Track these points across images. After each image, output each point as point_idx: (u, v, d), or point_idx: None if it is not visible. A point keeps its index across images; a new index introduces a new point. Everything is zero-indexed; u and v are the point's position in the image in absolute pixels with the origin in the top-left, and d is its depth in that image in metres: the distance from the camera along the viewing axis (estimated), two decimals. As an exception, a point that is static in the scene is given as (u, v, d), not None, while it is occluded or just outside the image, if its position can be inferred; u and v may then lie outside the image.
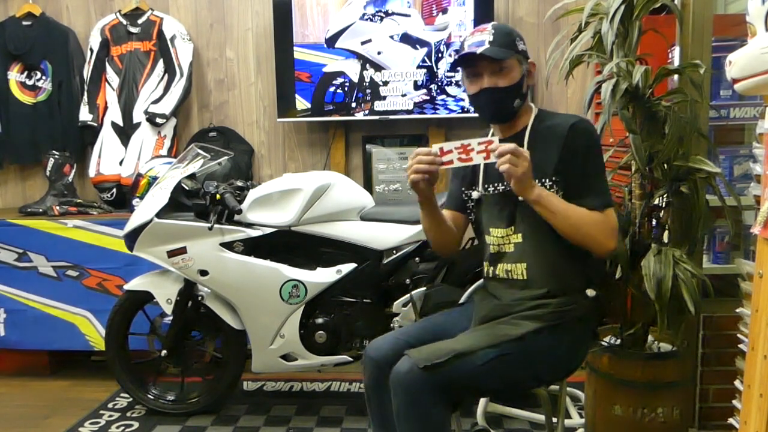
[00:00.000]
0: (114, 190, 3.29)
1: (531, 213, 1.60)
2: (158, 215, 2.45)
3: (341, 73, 3.21)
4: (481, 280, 1.86)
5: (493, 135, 1.76)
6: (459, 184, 1.83)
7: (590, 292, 1.70)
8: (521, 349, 1.57)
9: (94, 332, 2.99)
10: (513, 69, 1.65)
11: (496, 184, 1.72)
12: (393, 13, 3.15)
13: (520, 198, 1.60)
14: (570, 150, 1.62)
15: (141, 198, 2.93)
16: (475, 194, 1.76)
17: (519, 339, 1.57)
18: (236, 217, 2.48)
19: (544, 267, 1.64)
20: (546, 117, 1.72)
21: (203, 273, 2.46)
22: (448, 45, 3.13)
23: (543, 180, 1.63)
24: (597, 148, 1.66)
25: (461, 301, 2.11)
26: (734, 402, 1.70)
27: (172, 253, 2.46)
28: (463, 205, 1.82)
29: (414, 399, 1.48)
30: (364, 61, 3.19)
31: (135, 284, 2.61)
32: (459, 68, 1.72)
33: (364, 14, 3.16)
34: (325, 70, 3.21)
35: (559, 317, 1.62)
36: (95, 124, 3.36)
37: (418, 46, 3.15)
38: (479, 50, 1.61)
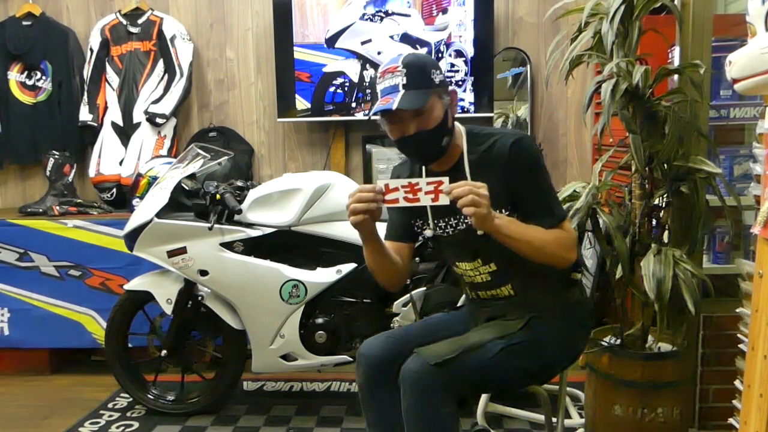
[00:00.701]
0: (114, 190, 3.29)
1: (493, 242, 1.54)
2: (158, 215, 2.45)
3: (341, 73, 3.21)
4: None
5: (427, 172, 1.68)
6: (404, 214, 1.73)
7: (575, 276, 1.72)
8: (528, 336, 1.58)
9: (100, 330, 2.97)
10: (434, 108, 1.53)
11: (447, 219, 1.65)
12: (393, 13, 3.15)
13: (479, 232, 1.53)
14: (515, 173, 1.55)
15: (141, 198, 2.93)
16: (428, 232, 1.69)
17: (525, 327, 1.59)
18: (236, 217, 2.48)
19: (529, 279, 1.64)
20: (478, 140, 1.62)
21: (203, 273, 2.45)
22: (448, 45, 3.13)
23: (500, 210, 1.56)
24: (540, 164, 1.60)
25: (460, 303, 2.11)
26: (734, 402, 1.70)
27: (172, 253, 2.46)
28: (408, 235, 1.75)
29: (424, 397, 1.48)
30: (364, 61, 3.19)
31: (135, 284, 2.61)
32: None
33: (364, 14, 3.16)
34: (325, 70, 3.21)
35: (558, 306, 1.65)
36: (95, 124, 3.36)
37: (418, 46, 3.15)
38: (395, 104, 1.47)
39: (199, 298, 2.55)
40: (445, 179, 1.43)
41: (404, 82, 1.51)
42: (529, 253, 1.54)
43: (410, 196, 1.44)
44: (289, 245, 2.51)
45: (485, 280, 1.68)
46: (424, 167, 1.69)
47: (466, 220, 1.60)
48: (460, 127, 1.66)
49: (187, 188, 2.56)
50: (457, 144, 1.64)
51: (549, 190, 1.61)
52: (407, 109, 1.50)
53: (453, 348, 1.51)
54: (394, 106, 1.48)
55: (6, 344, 3.09)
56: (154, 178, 2.98)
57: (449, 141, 1.60)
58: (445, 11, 3.14)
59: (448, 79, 3.08)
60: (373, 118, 1.58)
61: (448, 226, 1.66)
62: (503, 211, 1.57)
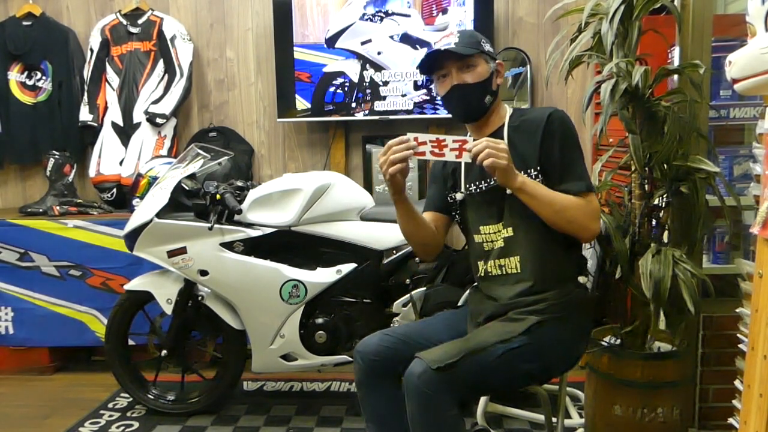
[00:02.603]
0: (114, 190, 3.29)
1: (519, 206, 1.62)
2: (158, 215, 2.45)
3: (341, 73, 3.21)
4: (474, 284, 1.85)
5: (469, 136, 1.77)
6: (440, 187, 1.84)
7: (582, 279, 1.74)
8: (529, 341, 1.59)
9: (103, 329, 2.94)
10: (479, 65, 1.68)
11: (478, 183, 1.73)
12: (393, 14, 3.15)
13: (507, 191, 1.63)
14: (548, 137, 1.64)
15: (141, 198, 2.93)
16: (459, 195, 1.77)
17: (526, 332, 1.59)
18: (236, 217, 2.48)
19: (536, 257, 1.66)
20: (522, 113, 1.75)
21: (203, 273, 2.46)
22: (448, 45, 3.13)
23: (528, 171, 1.65)
24: (573, 135, 1.68)
25: (460, 303, 2.12)
26: (734, 402, 1.70)
27: (172, 253, 2.46)
28: (445, 207, 1.83)
29: (428, 401, 1.49)
30: (364, 62, 3.19)
31: (135, 284, 2.61)
32: (428, 74, 1.76)
33: (364, 14, 3.16)
34: (325, 70, 3.22)
35: (560, 309, 1.64)
36: (95, 124, 3.37)
37: (418, 47, 3.15)
38: (443, 47, 1.65)
39: (199, 298, 2.55)
40: (470, 138, 1.54)
41: (456, 41, 1.67)
42: (549, 215, 1.60)
43: (437, 150, 1.54)
44: (289, 245, 2.51)
45: (499, 247, 1.69)
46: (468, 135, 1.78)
47: (494, 180, 1.66)
48: (507, 106, 1.78)
49: (187, 188, 2.56)
50: (501, 116, 1.75)
51: (578, 159, 1.67)
52: (455, 53, 1.64)
53: (455, 352, 1.52)
54: (443, 48, 1.65)
55: (11, 343, 3.11)
56: (154, 178, 2.99)
57: (492, 102, 1.72)
58: (445, 11, 3.14)
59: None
60: (425, 72, 1.76)
61: (478, 189, 1.73)
62: (532, 172, 1.65)
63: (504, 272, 1.70)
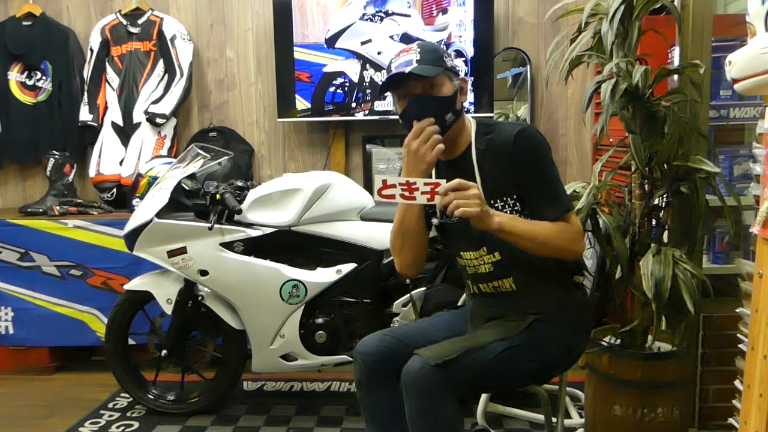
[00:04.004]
0: (114, 190, 3.29)
1: None
2: (158, 215, 2.45)
3: (341, 73, 3.21)
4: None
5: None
6: None
7: (578, 279, 1.73)
8: (529, 339, 1.58)
9: (104, 328, 2.94)
10: (443, 85, 1.58)
11: None
12: (393, 14, 3.15)
13: None
14: (520, 163, 1.56)
15: (141, 198, 2.93)
16: (434, 221, 1.71)
17: (526, 329, 1.59)
18: (236, 217, 2.48)
19: (531, 274, 1.64)
20: (487, 130, 1.65)
21: (203, 273, 2.46)
22: (448, 45, 3.13)
23: (506, 199, 1.60)
24: (545, 154, 1.59)
25: (460, 303, 2.12)
26: (734, 402, 1.70)
27: (172, 253, 2.46)
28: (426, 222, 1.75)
29: (427, 398, 1.48)
30: (364, 62, 3.19)
31: (135, 284, 2.61)
32: (388, 92, 1.64)
33: (364, 14, 3.16)
34: (325, 70, 3.22)
35: (560, 308, 1.65)
36: (95, 124, 3.37)
37: (418, 46, 3.15)
38: (407, 69, 1.53)
39: (199, 298, 2.55)
40: (442, 181, 1.44)
41: (417, 58, 1.56)
42: (534, 248, 1.55)
43: (406, 193, 1.45)
44: (289, 245, 2.51)
45: (488, 271, 1.67)
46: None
47: None
48: (470, 120, 1.68)
49: (187, 188, 2.57)
50: (467, 134, 1.66)
51: (555, 180, 1.61)
52: (419, 75, 1.53)
53: (454, 349, 1.51)
54: (407, 70, 1.53)
55: (11, 343, 3.11)
56: (154, 178, 2.99)
57: (453, 120, 1.60)
58: (445, 11, 3.14)
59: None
60: (385, 91, 1.63)
61: (453, 217, 1.64)
62: (509, 200, 1.59)
63: (499, 291, 1.68)
